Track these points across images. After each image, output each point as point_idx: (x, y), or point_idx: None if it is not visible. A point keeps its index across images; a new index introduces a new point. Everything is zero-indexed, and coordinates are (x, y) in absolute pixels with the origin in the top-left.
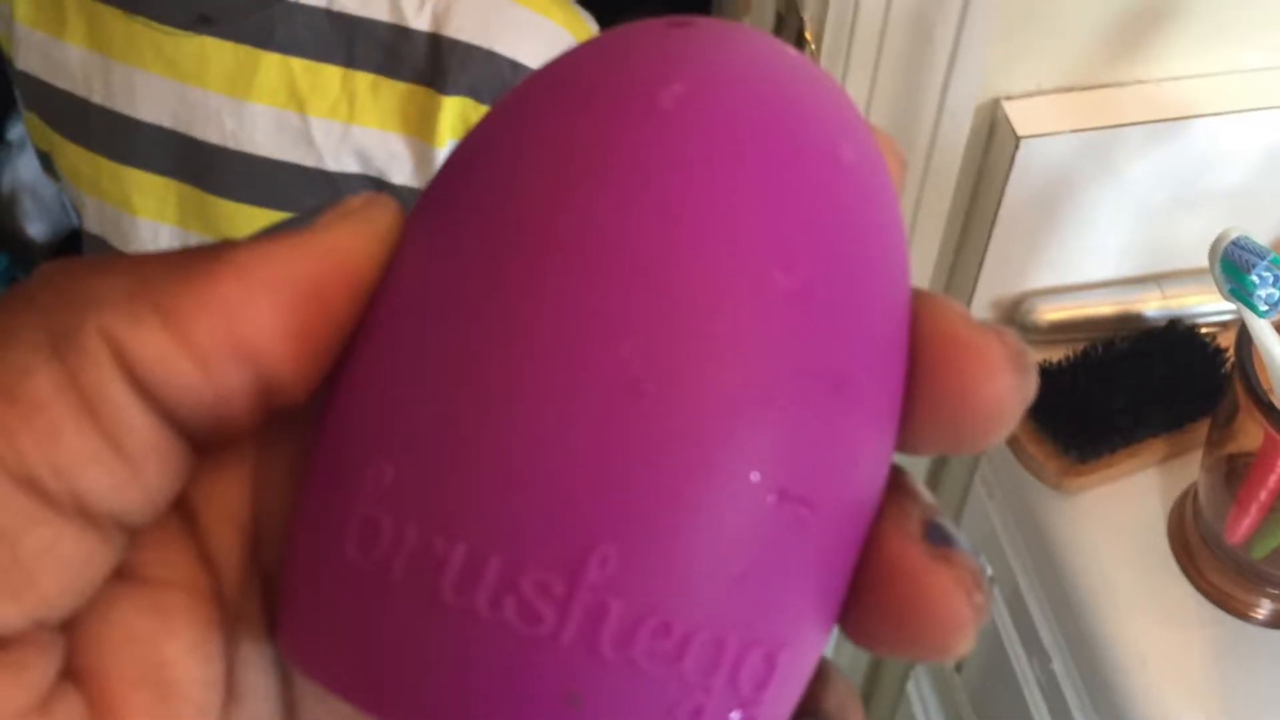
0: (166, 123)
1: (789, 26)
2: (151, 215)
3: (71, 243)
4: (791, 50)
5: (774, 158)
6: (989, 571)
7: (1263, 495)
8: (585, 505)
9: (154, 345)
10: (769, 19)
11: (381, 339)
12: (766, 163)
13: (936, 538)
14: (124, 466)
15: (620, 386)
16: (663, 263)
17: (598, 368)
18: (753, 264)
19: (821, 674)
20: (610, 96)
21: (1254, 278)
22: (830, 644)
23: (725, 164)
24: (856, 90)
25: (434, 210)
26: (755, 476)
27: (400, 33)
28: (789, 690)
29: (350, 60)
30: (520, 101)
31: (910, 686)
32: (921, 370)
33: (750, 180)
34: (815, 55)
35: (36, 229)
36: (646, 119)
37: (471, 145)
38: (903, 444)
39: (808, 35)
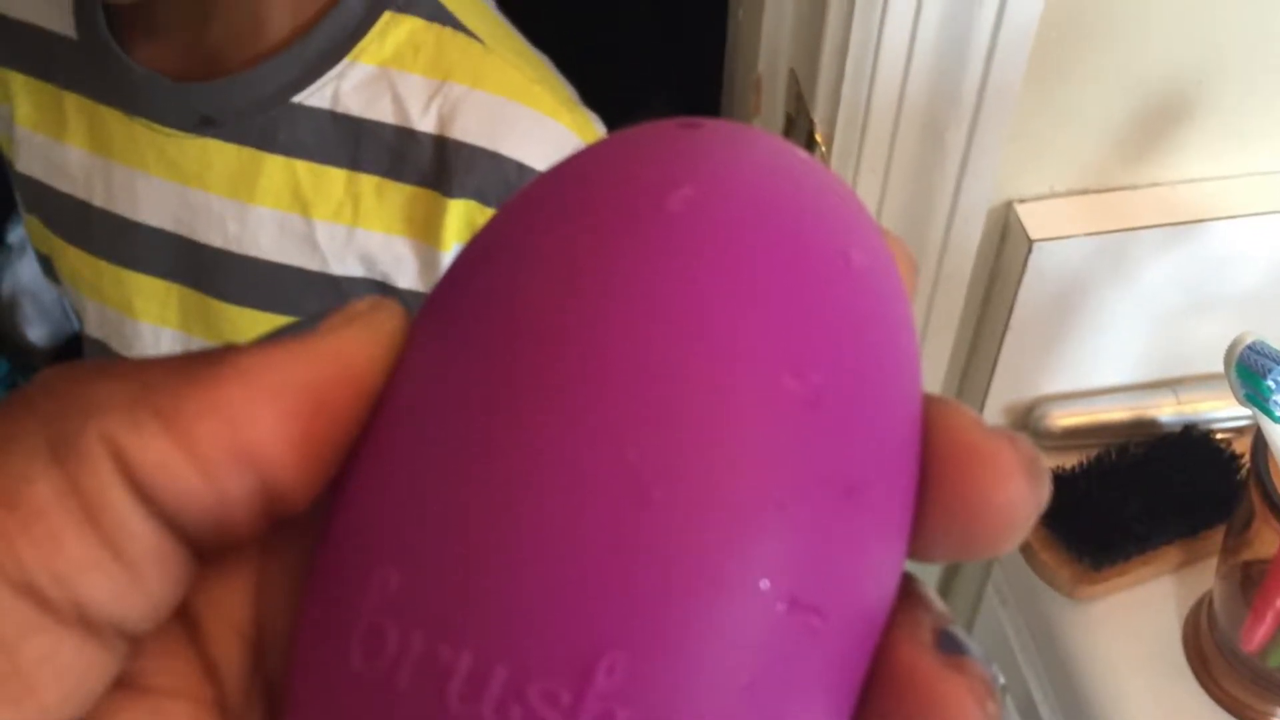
0: (168, 226)
1: (799, 128)
2: (153, 319)
3: (72, 347)
4: (801, 152)
5: (783, 261)
6: (1001, 681)
7: (1278, 603)
8: (592, 613)
9: (155, 451)
10: (779, 120)
11: (386, 445)
12: (776, 266)
13: (949, 646)
14: (125, 574)
15: (628, 493)
16: (671, 368)
17: (605, 474)
18: (762, 369)
19: None
20: (618, 199)
21: (1270, 383)
22: None
23: (734, 268)
24: (867, 193)
25: (439, 315)
26: (765, 584)
27: (405, 135)
28: None
29: (355, 163)
30: (527, 204)
31: None
32: (933, 476)
33: (759, 284)
34: (826, 157)
35: (37, 333)
36: (654, 222)
37: (478, 249)
38: (914, 550)
39: (818, 137)
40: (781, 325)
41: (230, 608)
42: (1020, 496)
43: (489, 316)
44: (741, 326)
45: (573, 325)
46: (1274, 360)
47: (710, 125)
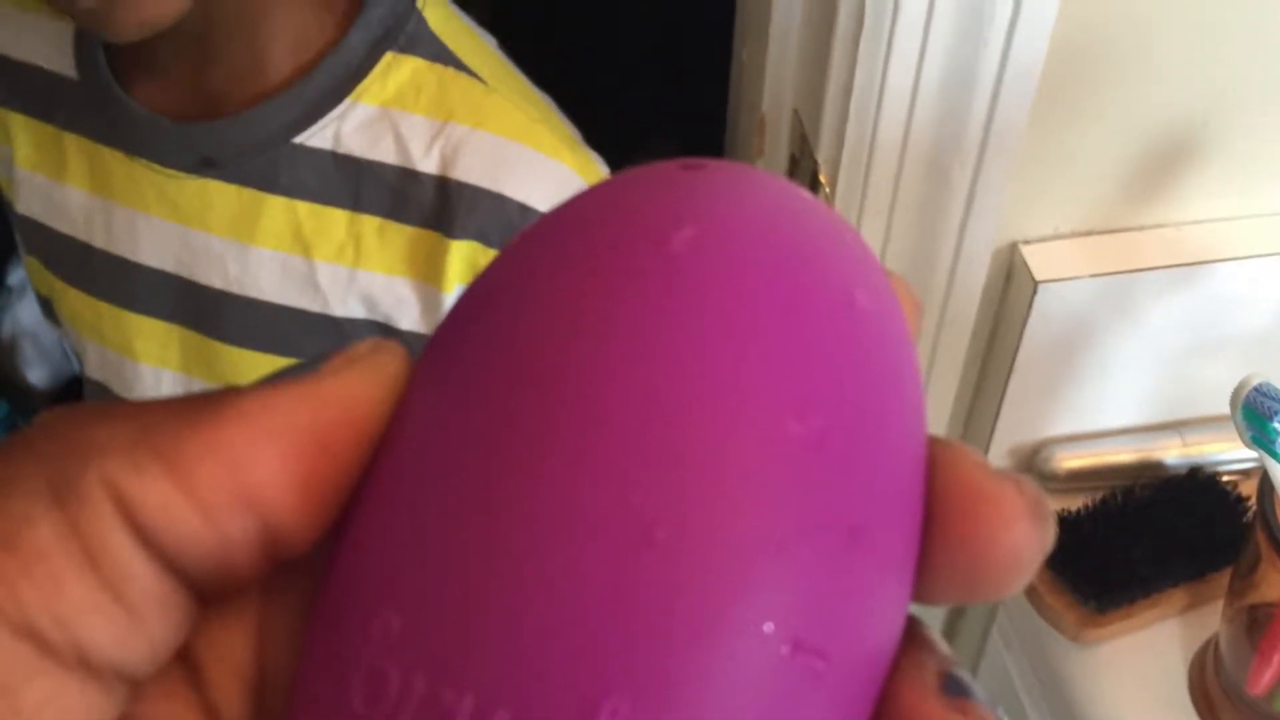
0: (169, 267)
1: (803, 169)
2: (154, 361)
3: (72, 389)
4: (805, 194)
5: (786, 303)
6: None
7: None
8: (595, 655)
9: (156, 493)
10: (783, 161)
11: (388, 487)
12: (778, 308)
13: (953, 689)
14: (126, 617)
15: (631, 535)
16: (674, 411)
17: (608, 516)
18: (765, 412)
19: None
20: (620, 240)
21: (1276, 425)
22: None
23: (736, 310)
24: (872, 234)
25: (442, 357)
26: (769, 627)
27: (407, 175)
28: None
29: (357, 203)
30: (528, 246)
31: None
32: (938, 519)
33: (762, 326)
34: (830, 198)
35: (37, 375)
36: (656, 263)
37: (480, 291)
38: (919, 593)
39: (822, 178)
40: (784, 367)
41: (231, 650)
42: (1026, 539)
43: (491, 359)
44: (744, 369)
45: (574, 367)
46: None
47: (713, 166)
